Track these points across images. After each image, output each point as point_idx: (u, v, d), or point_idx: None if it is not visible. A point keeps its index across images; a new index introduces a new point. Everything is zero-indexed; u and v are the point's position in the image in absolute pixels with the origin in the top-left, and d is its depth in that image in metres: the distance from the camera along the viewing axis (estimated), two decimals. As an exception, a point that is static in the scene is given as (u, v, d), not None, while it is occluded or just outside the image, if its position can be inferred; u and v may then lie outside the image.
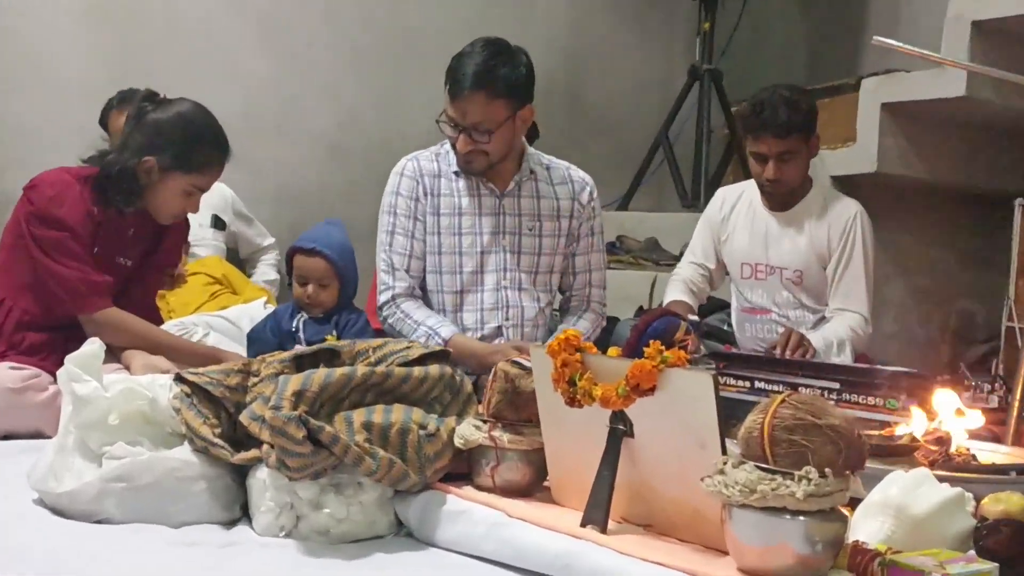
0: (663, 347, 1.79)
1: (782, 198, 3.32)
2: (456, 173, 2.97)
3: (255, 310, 3.42)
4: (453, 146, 2.90)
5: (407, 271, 2.94)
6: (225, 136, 2.83)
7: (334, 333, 2.81)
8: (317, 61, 4.77)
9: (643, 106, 5.43)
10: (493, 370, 2.08)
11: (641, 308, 3.98)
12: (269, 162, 4.65)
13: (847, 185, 4.04)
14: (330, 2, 4.79)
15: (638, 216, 4.92)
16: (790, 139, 3.17)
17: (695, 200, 4.81)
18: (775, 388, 2.56)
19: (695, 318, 2.76)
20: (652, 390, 1.77)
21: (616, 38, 5.42)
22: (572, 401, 1.88)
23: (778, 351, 3.01)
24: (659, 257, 4.52)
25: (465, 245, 2.94)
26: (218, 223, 4.13)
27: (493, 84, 2.77)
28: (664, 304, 3.41)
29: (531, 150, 3.05)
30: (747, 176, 3.50)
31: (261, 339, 2.86)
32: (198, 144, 2.79)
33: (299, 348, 2.45)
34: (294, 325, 2.85)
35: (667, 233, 4.65)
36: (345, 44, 4.82)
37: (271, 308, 3.37)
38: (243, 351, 2.94)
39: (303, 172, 4.74)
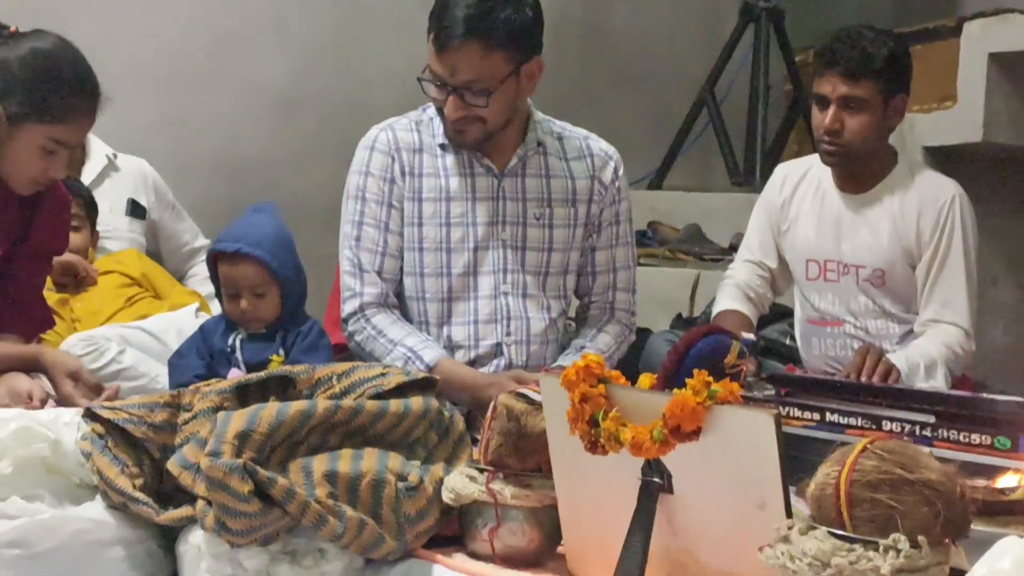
0: (710, 376, 1.80)
1: (848, 169, 3.34)
2: (442, 146, 2.98)
3: (184, 320, 3.41)
4: (439, 111, 2.91)
5: (379, 273, 2.95)
6: (94, 77, 2.78)
7: (280, 352, 2.80)
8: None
9: (682, 53, 5.45)
10: (492, 404, 2.09)
11: (680, 316, 4.00)
12: (197, 122, 4.68)
13: (944, 159, 4.06)
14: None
15: (676, 197, 4.95)
16: (861, 83, 3.21)
17: (749, 176, 4.84)
18: (852, 421, 2.57)
19: (751, 336, 2.77)
20: (696, 433, 1.78)
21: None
22: (594, 446, 1.89)
23: (853, 374, 3.02)
24: (703, 249, 4.55)
25: (454, 239, 2.96)
26: (136, 210, 4.12)
27: (490, 31, 2.78)
28: (714, 315, 3.43)
29: (539, 115, 3.06)
30: (815, 144, 3.50)
31: (185, 364, 2.86)
32: (57, 86, 2.73)
33: (241, 375, 2.46)
34: (229, 344, 2.86)
35: (713, 219, 4.69)
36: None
37: (203, 318, 3.38)
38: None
39: (242, 135, 4.77)
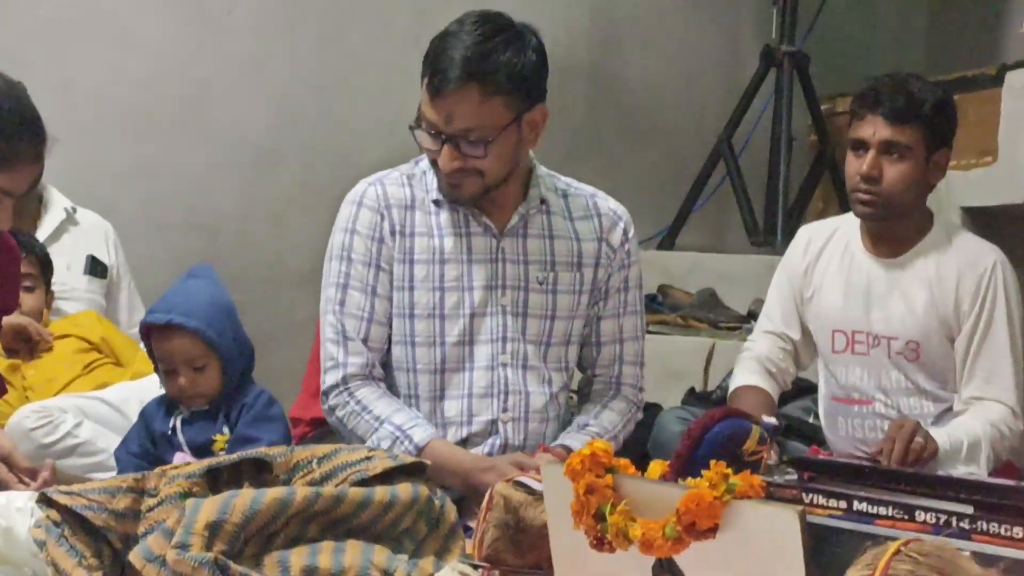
0: (728, 465, 1.79)
1: (882, 227, 3.34)
2: (436, 203, 2.98)
3: (148, 390, 3.37)
4: (433, 163, 2.91)
5: (365, 341, 2.94)
6: (39, 120, 2.75)
7: (224, 431, 2.81)
8: (239, 30, 4.82)
9: (697, 100, 5.48)
10: (488, 493, 2.08)
11: (693, 390, 3.98)
12: (169, 173, 4.70)
13: (984, 220, 4.06)
14: (259, -50, 4.88)
15: (689, 258, 4.95)
16: (905, 129, 3.23)
17: (770, 237, 4.85)
18: (882, 511, 2.54)
19: (773, 420, 2.76)
20: (713, 531, 1.77)
21: (661, 4, 5.48)
22: (600, 543, 1.88)
23: (884, 455, 3.00)
24: (719, 316, 4.55)
25: (449, 305, 2.95)
26: (96, 267, 4.10)
27: (490, 74, 2.78)
28: (731, 391, 3.43)
29: (543, 170, 3.07)
30: (843, 203, 3.52)
31: (126, 459, 2.83)
32: None
33: (186, 458, 2.45)
34: (170, 424, 2.85)
35: (730, 282, 4.69)
36: (278, 9, 4.88)
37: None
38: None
39: (217, 187, 4.79)
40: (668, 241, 5.15)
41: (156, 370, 2.90)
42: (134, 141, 4.60)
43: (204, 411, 2.85)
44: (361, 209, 2.98)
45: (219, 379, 2.84)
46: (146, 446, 2.85)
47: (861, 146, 3.27)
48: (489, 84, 2.77)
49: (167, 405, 2.88)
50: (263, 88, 4.83)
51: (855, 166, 3.28)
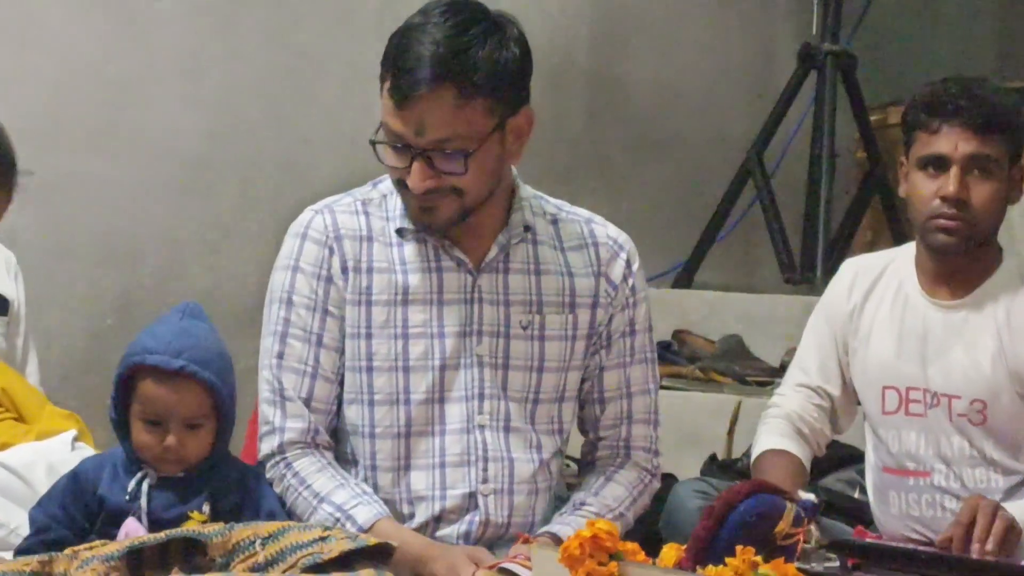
0: (756, 551, 1.80)
1: (954, 261, 3.33)
2: (400, 232, 2.98)
3: (57, 452, 3.36)
4: (399, 184, 2.90)
5: (307, 402, 2.94)
6: (8, 144, 2.78)
7: (205, 509, 2.75)
8: (167, 21, 4.83)
9: (721, 108, 5.51)
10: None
11: (714, 458, 3.99)
12: (81, 192, 4.71)
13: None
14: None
15: (711, 298, 4.96)
16: (990, 140, 3.25)
17: (807, 273, 4.86)
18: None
19: (811, 498, 2.75)
20: (739, 629, 1.78)
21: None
22: (602, 643, 1.88)
23: (956, 542, 2.94)
24: (745, 369, 4.56)
25: (414, 355, 2.94)
26: (-2, 303, 4.11)
27: (468, 72, 2.76)
28: (754, 456, 3.41)
29: (527, 190, 3.06)
30: (896, 232, 3.52)
31: (47, 523, 2.80)
32: None
33: (139, 531, 2.44)
34: (129, 491, 2.82)
35: (759, 328, 4.70)
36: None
37: (84, 451, 3.35)
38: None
39: (139, 209, 4.79)
40: (685, 278, 5.16)
41: (120, 420, 2.84)
42: (36, 153, 4.53)
43: (177, 479, 2.81)
44: (305, 242, 2.97)
45: (210, 443, 2.82)
46: (73, 513, 2.80)
47: (939, 163, 3.26)
48: (467, 84, 2.76)
49: (126, 465, 2.84)
50: (196, 91, 4.84)
51: (931, 188, 3.27)
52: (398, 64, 2.77)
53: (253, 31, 4.91)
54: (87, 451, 3.30)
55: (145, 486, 2.79)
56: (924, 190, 3.28)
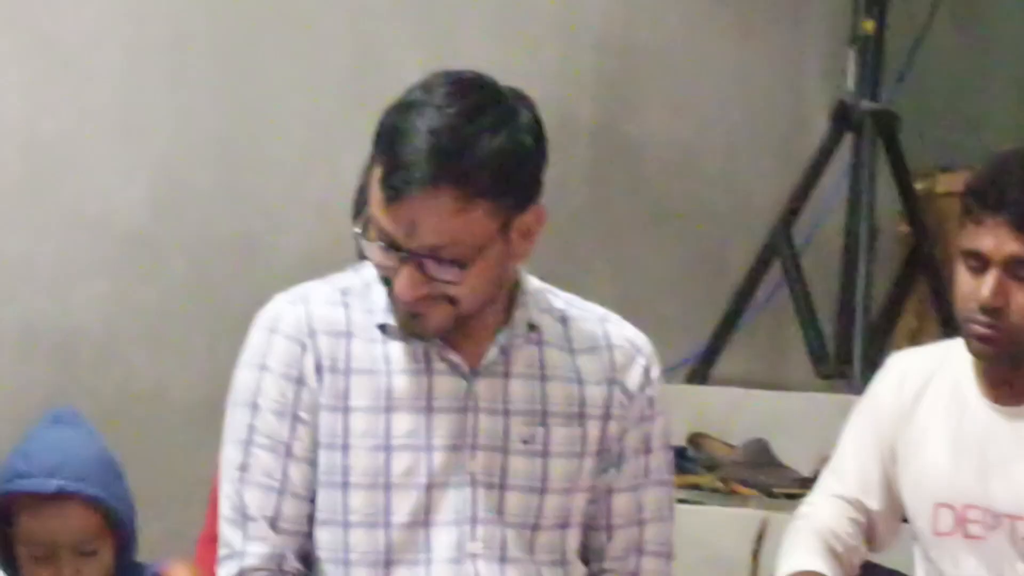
0: None
1: (1004, 367, 3.34)
2: (382, 327, 2.93)
3: None
4: (385, 281, 2.89)
5: (273, 522, 2.89)
6: None
7: None
8: (104, 74, 4.83)
9: (744, 175, 5.56)
10: None
11: (735, 587, 3.98)
12: (1, 272, 4.69)
13: None
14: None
15: (731, 395, 5.00)
16: None
17: (843, 366, 4.88)
18: None
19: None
20: None
21: (693, 37, 5.54)
22: None
23: None
24: (772, 479, 4.59)
25: (397, 471, 2.89)
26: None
27: (471, 175, 2.75)
28: None
29: (533, 283, 3.03)
30: (945, 323, 3.49)
31: None
32: None
33: None
34: None
35: (788, 431, 4.74)
36: (159, 42, 4.89)
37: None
38: None
39: (71, 292, 4.78)
40: (702, 370, 5.21)
41: (5, 558, 2.89)
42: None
43: None
44: (275, 337, 2.93)
45: (111, 567, 2.89)
46: None
47: (977, 260, 3.26)
48: (469, 187, 2.74)
49: None
50: (137, 153, 4.84)
51: (968, 287, 3.28)
52: (391, 153, 2.76)
53: (204, 83, 4.92)
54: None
55: None
56: (963, 287, 3.30)
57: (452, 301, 2.83)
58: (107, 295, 4.80)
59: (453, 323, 2.86)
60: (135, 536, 2.91)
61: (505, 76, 2.87)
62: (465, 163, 2.73)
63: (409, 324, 2.88)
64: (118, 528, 2.87)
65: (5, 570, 2.86)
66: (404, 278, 2.80)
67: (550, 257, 3.15)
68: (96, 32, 4.81)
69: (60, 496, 2.80)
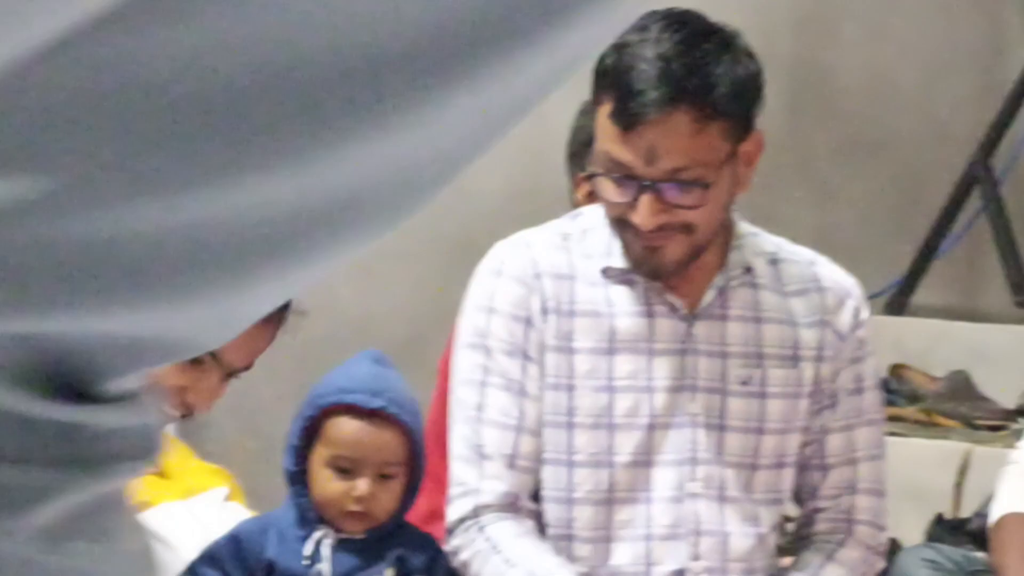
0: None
1: None
2: (605, 272, 2.99)
3: (207, 513, 3.43)
4: (618, 222, 2.92)
5: (510, 461, 2.95)
6: None
7: (389, 575, 2.83)
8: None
9: (942, 104, 5.49)
10: None
11: (941, 518, 4.00)
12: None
13: None
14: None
15: (931, 327, 4.97)
16: None
17: (1048, 295, 4.80)
18: None
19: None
20: None
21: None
22: None
23: None
24: (974, 411, 4.57)
25: (620, 411, 2.96)
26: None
27: (706, 93, 2.79)
28: (992, 522, 3.40)
29: (745, 226, 3.07)
30: None
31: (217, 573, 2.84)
32: None
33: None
34: (307, 552, 2.86)
35: (990, 362, 4.70)
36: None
37: (237, 511, 3.43)
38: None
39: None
40: (900, 300, 5.17)
41: (295, 473, 2.90)
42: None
43: (359, 541, 2.86)
44: (501, 280, 2.99)
45: (399, 499, 2.88)
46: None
47: None
48: (705, 106, 2.78)
49: (297, 525, 2.88)
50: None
51: None
52: (622, 85, 2.79)
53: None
54: (241, 511, 3.35)
55: (328, 549, 2.85)
56: None
57: (688, 230, 2.85)
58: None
59: (689, 256, 2.89)
60: (420, 483, 2.91)
61: (705, 9, 2.93)
62: (700, 82, 2.78)
63: (647, 258, 2.90)
64: (415, 465, 2.87)
65: (293, 485, 2.90)
66: (644, 207, 2.82)
67: (749, 188, 3.14)
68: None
69: (379, 415, 2.82)
